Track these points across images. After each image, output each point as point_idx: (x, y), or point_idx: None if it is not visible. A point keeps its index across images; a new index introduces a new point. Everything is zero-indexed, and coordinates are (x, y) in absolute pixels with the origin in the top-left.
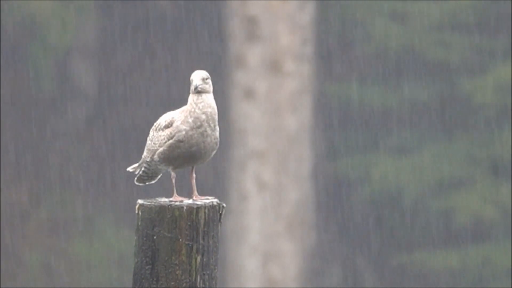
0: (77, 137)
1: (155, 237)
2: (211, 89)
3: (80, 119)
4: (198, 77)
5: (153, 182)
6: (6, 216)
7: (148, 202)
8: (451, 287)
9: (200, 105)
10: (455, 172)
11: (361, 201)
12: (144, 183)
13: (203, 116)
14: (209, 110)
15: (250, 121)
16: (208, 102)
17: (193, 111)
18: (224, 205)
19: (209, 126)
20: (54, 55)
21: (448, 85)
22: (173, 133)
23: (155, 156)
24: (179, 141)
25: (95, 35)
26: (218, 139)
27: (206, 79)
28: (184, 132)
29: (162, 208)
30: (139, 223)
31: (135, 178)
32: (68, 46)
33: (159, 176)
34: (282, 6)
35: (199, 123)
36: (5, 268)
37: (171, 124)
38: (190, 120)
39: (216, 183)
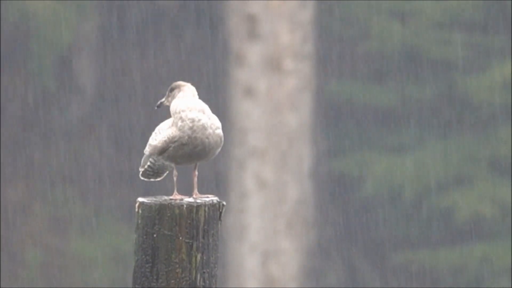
0: (77, 135)
1: (155, 235)
2: (170, 100)
3: (80, 116)
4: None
5: (158, 179)
6: (5, 215)
7: (148, 200)
8: (451, 286)
9: (177, 112)
10: (455, 170)
11: (361, 199)
12: (149, 178)
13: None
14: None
15: (250, 119)
16: (173, 106)
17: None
18: (224, 203)
19: (202, 124)
20: (54, 53)
21: (448, 83)
22: (174, 134)
23: (156, 153)
24: (183, 144)
25: (95, 33)
26: (222, 135)
27: (171, 91)
28: (186, 137)
29: (162, 206)
30: (139, 221)
31: (140, 173)
32: (68, 43)
33: (165, 174)
34: (282, 4)
35: (188, 132)
36: (5, 267)
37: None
38: (182, 125)
39: (216, 181)
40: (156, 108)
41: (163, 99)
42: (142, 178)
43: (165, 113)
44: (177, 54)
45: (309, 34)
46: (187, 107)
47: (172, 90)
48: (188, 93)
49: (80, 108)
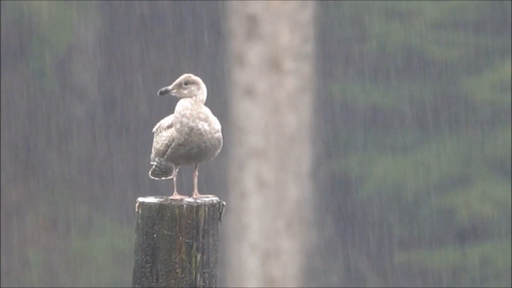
0: (77, 135)
1: (155, 235)
2: (190, 93)
3: (79, 116)
4: (176, 81)
5: (169, 177)
6: (5, 215)
7: (148, 200)
8: (451, 286)
9: (180, 115)
10: (455, 170)
11: (361, 199)
12: (159, 177)
13: (186, 126)
14: (187, 114)
15: (250, 119)
16: (180, 106)
17: (177, 121)
18: (224, 203)
19: (201, 127)
20: (54, 53)
21: (448, 83)
22: (172, 135)
23: (159, 155)
24: (179, 144)
25: (95, 33)
26: (221, 138)
27: (186, 84)
28: (183, 139)
29: (162, 206)
30: (139, 221)
31: (150, 172)
32: (68, 43)
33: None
34: (282, 4)
35: (186, 131)
36: (5, 267)
37: (171, 126)
38: (179, 128)
39: (216, 181)
40: (158, 94)
41: (170, 88)
42: (152, 177)
43: (165, 114)
44: (177, 54)
45: (309, 34)
46: (191, 115)
47: (187, 83)
48: (205, 93)
49: (80, 108)
